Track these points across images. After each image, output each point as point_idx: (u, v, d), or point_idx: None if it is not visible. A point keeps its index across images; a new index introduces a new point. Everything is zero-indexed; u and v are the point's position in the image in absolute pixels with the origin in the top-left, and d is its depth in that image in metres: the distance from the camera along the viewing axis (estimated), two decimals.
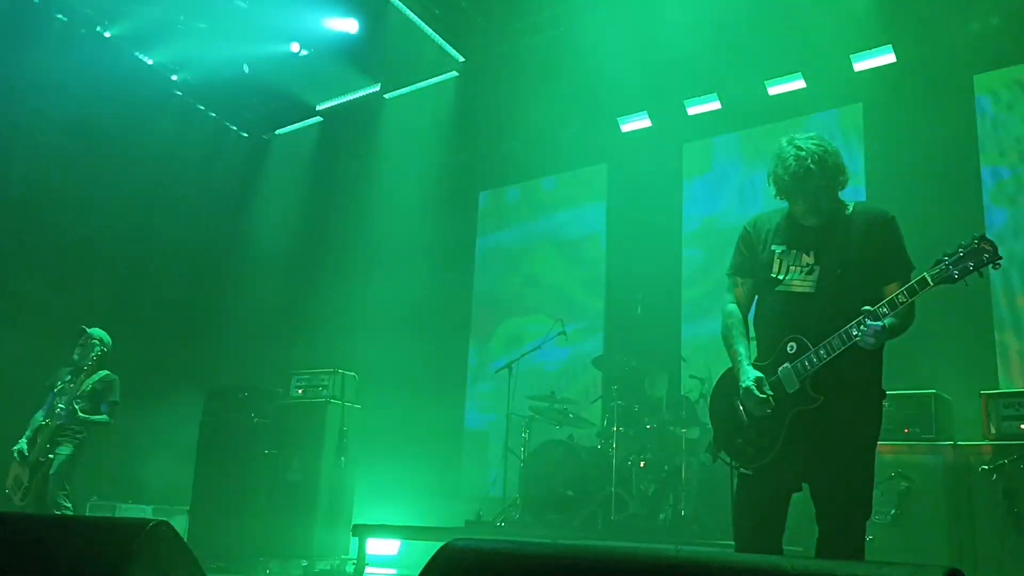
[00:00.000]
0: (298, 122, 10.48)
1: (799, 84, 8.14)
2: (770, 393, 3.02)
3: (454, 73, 9.30)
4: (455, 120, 9.40)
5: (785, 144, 3.11)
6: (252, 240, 10.15)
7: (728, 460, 3.18)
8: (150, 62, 9.44)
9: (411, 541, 7.15)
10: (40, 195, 8.21)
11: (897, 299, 2.85)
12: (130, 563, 2.06)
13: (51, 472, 5.89)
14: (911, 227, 6.76)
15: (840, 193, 3.16)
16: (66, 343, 7.45)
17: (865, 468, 3.00)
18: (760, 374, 3.08)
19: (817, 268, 3.06)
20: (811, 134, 3.14)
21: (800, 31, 7.62)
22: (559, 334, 7.19)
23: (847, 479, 2.95)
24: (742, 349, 3.19)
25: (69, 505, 5.96)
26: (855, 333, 2.86)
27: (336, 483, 7.31)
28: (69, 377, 6.20)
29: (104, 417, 6.17)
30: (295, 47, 8.89)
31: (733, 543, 3.24)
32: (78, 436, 6.04)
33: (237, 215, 10.32)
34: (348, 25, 8.70)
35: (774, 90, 8.23)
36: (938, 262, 2.81)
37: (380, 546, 7.31)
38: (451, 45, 8.99)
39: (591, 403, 7.41)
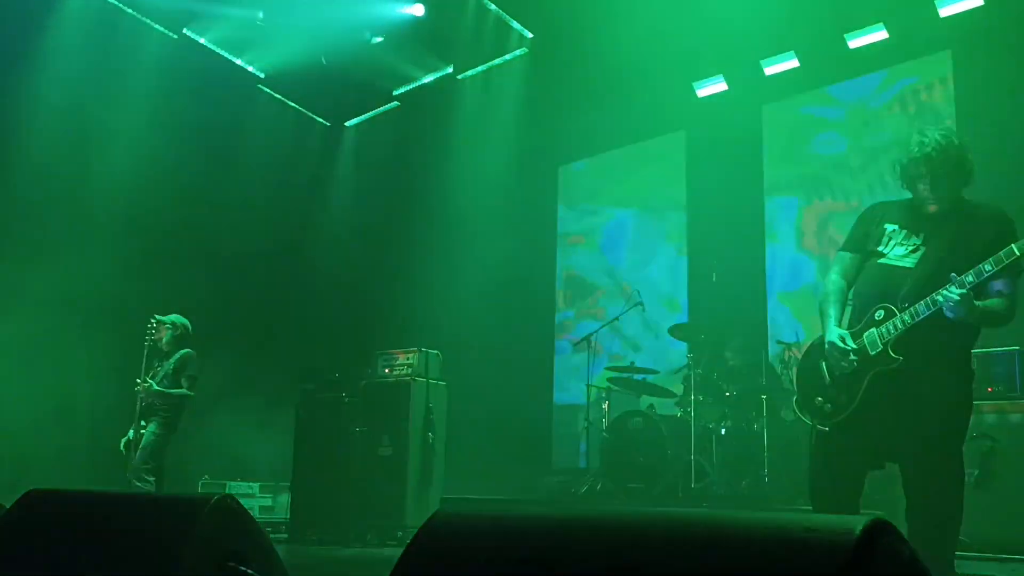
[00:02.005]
0: (376, 108, 10.71)
1: (881, 35, 7.84)
2: (853, 347, 3.12)
3: (524, 50, 9.32)
4: (528, 96, 9.42)
5: (914, 134, 3.25)
6: (337, 224, 10.48)
7: (807, 419, 3.31)
8: (234, 60, 9.82)
9: None
10: (140, 196, 8.60)
11: (983, 268, 2.90)
12: (193, 537, 2.17)
13: (139, 447, 6.16)
14: (1007, 179, 6.47)
15: (964, 190, 3.24)
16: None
17: (951, 439, 3.00)
18: (844, 332, 3.20)
19: (923, 248, 3.16)
20: (941, 126, 3.28)
21: None
22: (636, 304, 7.20)
23: (931, 450, 2.99)
24: (833, 312, 3.30)
25: (151, 480, 6.17)
26: (940, 299, 2.95)
27: (425, 458, 7.54)
28: (157, 363, 6.47)
29: (182, 390, 6.36)
30: (376, 38, 9.09)
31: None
32: (163, 413, 6.28)
33: (323, 201, 10.66)
34: (413, 9, 8.83)
35: (855, 43, 7.96)
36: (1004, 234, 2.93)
37: None
38: (518, 22, 9.01)
39: (675, 372, 7.40)
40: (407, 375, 7.61)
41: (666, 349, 7.70)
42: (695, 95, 8.89)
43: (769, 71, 8.42)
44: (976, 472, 4.36)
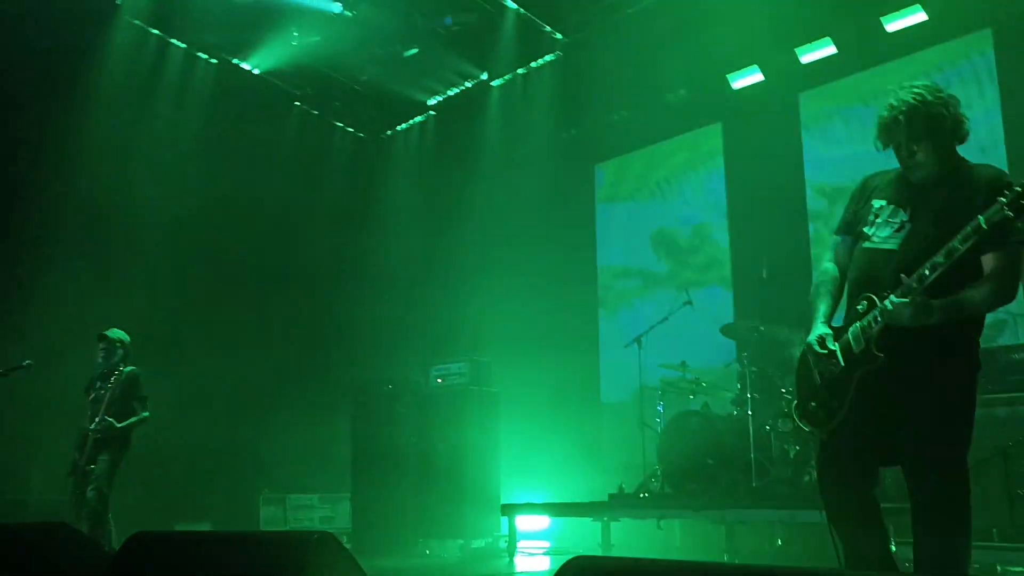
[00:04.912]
0: (412, 119, 10.79)
1: (919, 17, 7.73)
2: (833, 348, 2.84)
3: (557, 53, 9.34)
4: (563, 98, 9.45)
5: (888, 94, 2.87)
6: (380, 235, 10.56)
7: (806, 428, 3.00)
8: (272, 80, 9.93)
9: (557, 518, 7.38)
10: (182, 219, 8.71)
11: (936, 260, 2.58)
12: (305, 571, 2.24)
13: (92, 479, 5.85)
14: None
15: (959, 148, 2.84)
16: (222, 355, 8.02)
17: (946, 445, 2.68)
18: (827, 331, 2.91)
19: (909, 225, 2.82)
20: (920, 83, 2.85)
21: None
22: (684, 304, 7.18)
23: (926, 458, 2.69)
24: (822, 307, 3.00)
25: (102, 509, 5.84)
26: (888, 307, 2.66)
27: (481, 465, 7.62)
28: (99, 383, 6.12)
29: (139, 416, 6.08)
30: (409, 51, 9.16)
31: None
32: (119, 443, 6.01)
33: (364, 214, 10.75)
34: (444, 20, 8.90)
35: (892, 26, 7.86)
36: (995, 202, 2.49)
37: (532, 520, 7.58)
38: (550, 26, 9.03)
39: (726, 366, 7.36)
40: (459, 384, 7.71)
41: (717, 347, 7.68)
42: (731, 87, 8.83)
43: (805, 59, 8.34)
44: None
